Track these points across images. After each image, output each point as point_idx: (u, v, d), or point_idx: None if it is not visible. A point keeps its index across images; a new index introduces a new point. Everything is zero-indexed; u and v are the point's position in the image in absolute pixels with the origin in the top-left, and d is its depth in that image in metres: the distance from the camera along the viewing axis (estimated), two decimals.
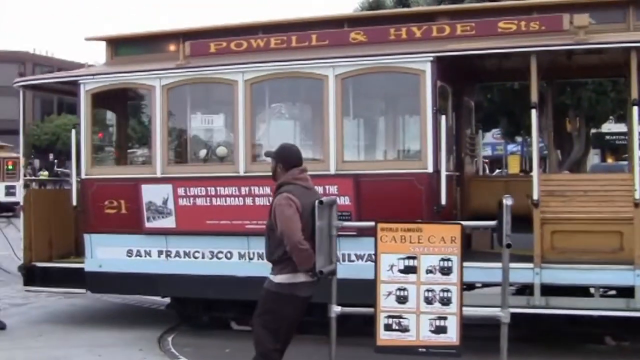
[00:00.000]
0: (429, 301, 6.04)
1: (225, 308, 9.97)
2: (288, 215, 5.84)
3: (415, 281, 6.07)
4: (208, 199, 9.45)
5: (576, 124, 25.55)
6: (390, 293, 6.11)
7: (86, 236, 10.19)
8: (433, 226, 6.23)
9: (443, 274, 6.02)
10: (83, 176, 10.18)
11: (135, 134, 13.33)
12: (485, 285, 9.03)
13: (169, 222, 9.64)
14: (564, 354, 8.69)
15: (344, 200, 8.64)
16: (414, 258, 6.07)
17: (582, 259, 8.25)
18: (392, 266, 6.10)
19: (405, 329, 6.07)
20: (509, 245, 5.94)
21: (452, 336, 6.00)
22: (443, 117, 8.68)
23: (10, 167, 33.17)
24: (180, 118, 10.44)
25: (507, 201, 5.94)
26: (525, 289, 8.81)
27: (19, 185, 11.36)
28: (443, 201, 8.53)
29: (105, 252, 10.06)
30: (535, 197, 8.35)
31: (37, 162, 47.50)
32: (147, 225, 9.75)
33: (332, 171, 8.98)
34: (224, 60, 9.69)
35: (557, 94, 18.13)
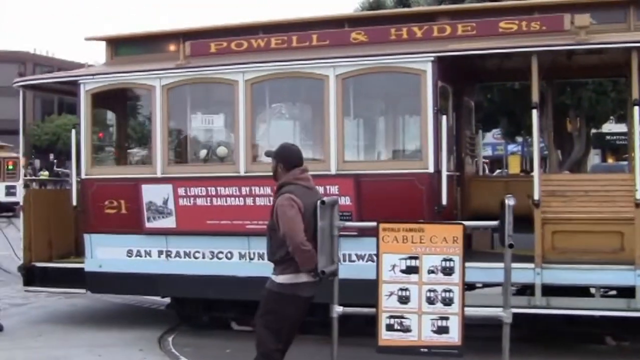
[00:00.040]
0: (431, 301, 6.03)
1: (225, 308, 9.96)
2: (290, 216, 5.82)
3: (417, 281, 6.06)
4: (208, 199, 9.44)
5: (577, 124, 25.55)
6: (392, 293, 6.10)
7: (86, 236, 10.19)
8: (435, 226, 6.23)
9: (445, 274, 6.01)
10: (83, 176, 10.17)
11: (136, 134, 13.31)
12: (486, 285, 9.02)
13: (169, 222, 9.63)
14: (563, 354, 8.68)
15: (345, 201, 8.63)
16: (415, 258, 6.06)
17: (583, 259, 8.24)
18: (394, 266, 6.09)
19: (407, 329, 6.07)
20: (511, 246, 5.93)
21: (454, 336, 6.00)
22: (444, 117, 8.67)
23: (10, 167, 33.19)
24: (181, 118, 10.43)
25: (510, 201, 5.94)
26: (524, 289, 8.80)
27: (19, 185, 11.34)
28: (444, 201, 8.52)
29: (106, 252, 10.05)
30: (536, 197, 8.35)
31: (37, 162, 47.51)
32: (148, 225, 9.74)
33: (333, 171, 8.98)
34: (225, 60, 9.69)
35: (558, 94, 18.14)
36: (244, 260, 9.41)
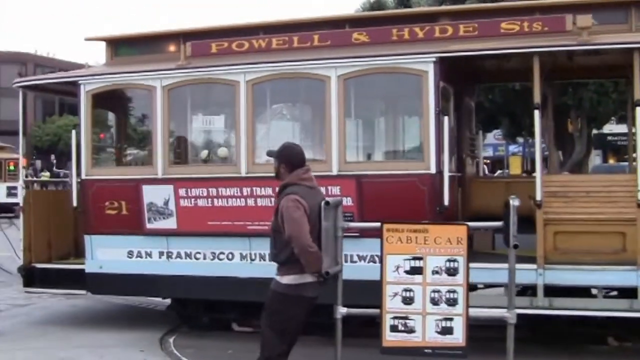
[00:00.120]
0: (435, 302, 6.02)
1: (226, 309, 9.95)
2: (296, 218, 5.79)
3: (421, 282, 6.05)
4: (209, 199, 9.43)
5: (578, 124, 25.58)
6: (396, 294, 6.10)
7: (87, 237, 10.17)
8: (439, 227, 6.22)
9: (449, 274, 6.01)
10: (83, 177, 10.16)
11: (136, 134, 13.30)
12: (487, 286, 9.01)
13: (170, 223, 9.62)
14: (565, 354, 8.67)
15: (347, 201, 8.60)
16: (420, 259, 6.05)
17: (585, 260, 8.23)
18: (398, 267, 6.09)
19: (411, 330, 6.06)
20: (516, 246, 5.93)
21: (458, 337, 5.99)
22: (446, 118, 8.66)
23: (11, 167, 33.25)
24: (182, 119, 10.41)
25: (514, 202, 5.92)
26: (526, 290, 8.79)
27: (20, 186, 11.32)
28: (446, 202, 8.50)
29: (106, 253, 10.03)
30: (538, 197, 8.33)
31: (38, 163, 47.54)
32: (148, 226, 9.72)
33: (335, 172, 8.96)
34: (225, 61, 9.67)
35: (558, 94, 18.15)
36: (245, 261, 9.39)
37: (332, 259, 6.13)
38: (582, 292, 8.54)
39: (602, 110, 23.90)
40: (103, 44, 11.21)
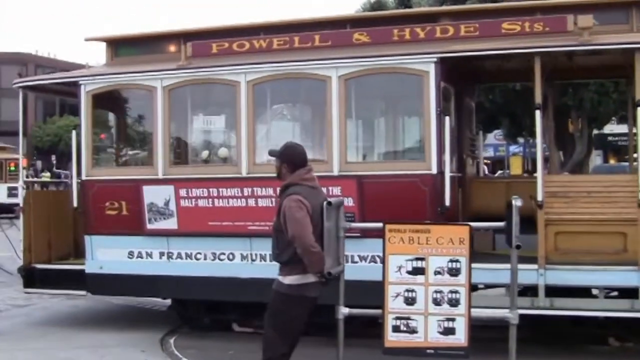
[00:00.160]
0: (437, 302, 6.01)
1: (226, 310, 9.94)
2: (299, 218, 5.77)
3: (424, 282, 6.04)
4: (210, 200, 9.42)
5: (578, 125, 25.56)
6: (398, 294, 6.08)
7: (87, 238, 10.16)
8: (441, 227, 6.21)
9: (451, 275, 5.99)
10: (84, 177, 10.16)
11: (137, 135, 13.29)
12: (488, 286, 9.00)
13: (171, 224, 9.61)
14: (566, 354, 8.66)
15: (347, 202, 8.58)
16: (422, 259, 6.04)
17: (586, 260, 8.23)
18: (400, 267, 6.07)
19: (413, 331, 6.05)
20: (518, 247, 5.92)
21: (460, 337, 5.97)
22: (447, 118, 8.65)
23: (12, 168, 33.25)
24: (182, 119, 10.40)
25: (517, 202, 5.92)
26: (526, 291, 8.78)
27: (20, 186, 11.32)
28: (447, 202, 8.50)
29: (106, 254, 10.02)
30: (539, 198, 8.33)
31: (39, 164, 47.54)
32: (149, 226, 9.72)
33: (336, 172, 8.96)
34: (226, 61, 9.67)
35: (559, 95, 18.13)
36: (246, 261, 9.38)
37: (334, 260, 6.12)
38: (583, 292, 8.53)
39: (603, 111, 23.87)
40: (103, 44, 11.21)
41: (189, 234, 9.55)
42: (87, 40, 11.57)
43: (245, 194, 9.26)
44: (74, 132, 10.26)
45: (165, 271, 9.72)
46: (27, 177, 12.32)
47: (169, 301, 10.61)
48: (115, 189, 9.96)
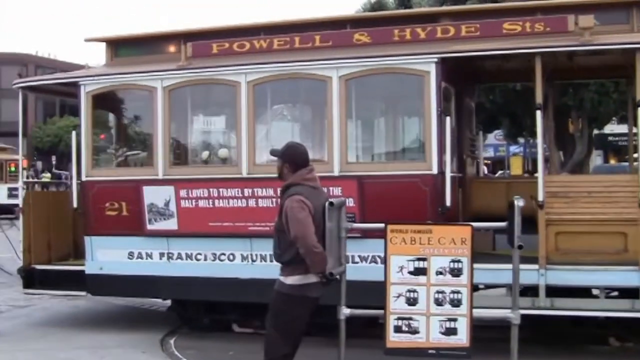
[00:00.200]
0: (439, 303, 6.01)
1: (227, 310, 9.93)
2: (301, 218, 5.75)
3: (425, 283, 6.04)
4: (210, 200, 9.41)
5: (579, 125, 25.55)
6: (400, 295, 6.08)
7: (87, 238, 10.15)
8: (443, 228, 6.21)
9: (453, 275, 5.99)
10: (84, 178, 10.15)
11: (137, 135, 13.28)
12: (488, 287, 8.99)
13: (171, 224, 9.60)
14: (567, 354, 8.66)
15: (348, 202, 8.57)
16: (424, 260, 6.04)
17: (587, 260, 8.22)
18: (401, 268, 6.07)
19: (415, 331, 6.05)
20: (520, 247, 5.91)
21: (462, 338, 5.97)
22: (447, 119, 8.65)
23: (12, 169, 33.28)
24: (182, 119, 10.39)
25: (519, 202, 5.91)
26: (526, 291, 8.77)
27: (20, 186, 11.32)
28: (448, 202, 8.49)
29: (106, 255, 10.01)
30: (540, 198, 8.32)
31: (39, 164, 47.53)
32: (149, 227, 9.71)
33: (336, 173, 8.95)
34: (226, 62, 9.66)
35: (559, 95, 18.12)
36: (246, 262, 9.37)
37: (336, 260, 6.12)
38: (584, 292, 8.52)
39: (603, 111, 23.85)
40: (103, 44, 11.20)
41: (189, 234, 9.54)
42: (87, 40, 11.57)
43: (246, 194, 9.25)
44: (74, 133, 10.26)
45: (165, 272, 9.71)
46: (27, 177, 12.30)
47: (168, 302, 10.60)
48: (115, 190, 9.96)
